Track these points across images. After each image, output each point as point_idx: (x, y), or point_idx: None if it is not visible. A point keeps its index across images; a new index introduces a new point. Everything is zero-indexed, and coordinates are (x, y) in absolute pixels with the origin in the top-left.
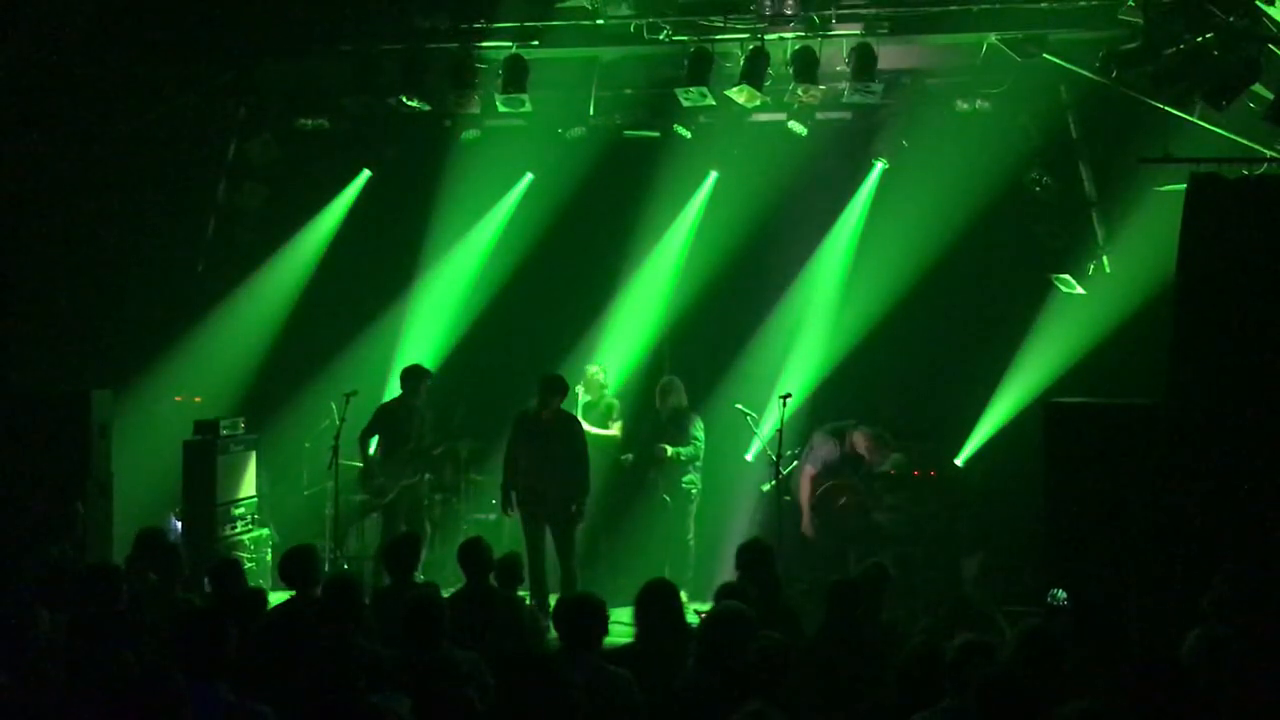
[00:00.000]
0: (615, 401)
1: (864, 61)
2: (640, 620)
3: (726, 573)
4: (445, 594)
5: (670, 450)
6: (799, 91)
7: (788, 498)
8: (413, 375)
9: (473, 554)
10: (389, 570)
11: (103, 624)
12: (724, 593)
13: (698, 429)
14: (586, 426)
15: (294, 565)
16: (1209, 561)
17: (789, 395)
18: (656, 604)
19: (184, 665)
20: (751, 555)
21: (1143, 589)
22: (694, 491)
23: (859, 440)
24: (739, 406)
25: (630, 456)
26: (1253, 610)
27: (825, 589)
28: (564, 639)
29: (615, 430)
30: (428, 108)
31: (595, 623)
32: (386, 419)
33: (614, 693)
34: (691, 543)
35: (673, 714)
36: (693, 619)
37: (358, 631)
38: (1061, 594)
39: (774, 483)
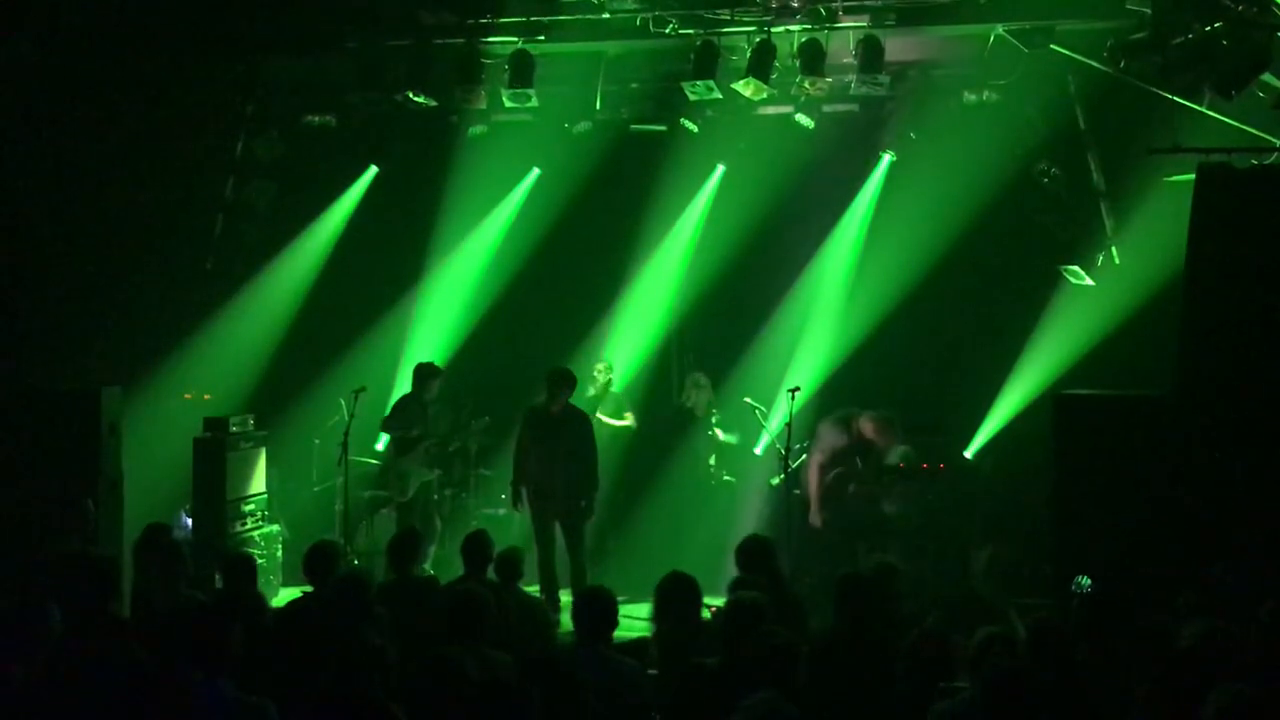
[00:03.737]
0: (620, 394)
1: (871, 53)
2: (660, 612)
3: (734, 567)
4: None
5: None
6: (806, 84)
7: (797, 491)
8: (423, 373)
9: (475, 547)
10: (391, 564)
11: (100, 619)
12: (736, 587)
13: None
14: (602, 417)
15: (317, 560)
16: (1219, 552)
17: (798, 388)
18: (677, 597)
19: (188, 660)
20: (751, 551)
21: (1152, 580)
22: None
23: (866, 426)
24: (747, 400)
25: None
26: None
27: (833, 583)
28: (579, 632)
29: (630, 421)
30: (434, 104)
31: (608, 615)
32: (404, 414)
33: (624, 682)
34: None
35: (692, 703)
36: (705, 613)
37: (367, 627)
38: (1086, 581)
39: (783, 476)
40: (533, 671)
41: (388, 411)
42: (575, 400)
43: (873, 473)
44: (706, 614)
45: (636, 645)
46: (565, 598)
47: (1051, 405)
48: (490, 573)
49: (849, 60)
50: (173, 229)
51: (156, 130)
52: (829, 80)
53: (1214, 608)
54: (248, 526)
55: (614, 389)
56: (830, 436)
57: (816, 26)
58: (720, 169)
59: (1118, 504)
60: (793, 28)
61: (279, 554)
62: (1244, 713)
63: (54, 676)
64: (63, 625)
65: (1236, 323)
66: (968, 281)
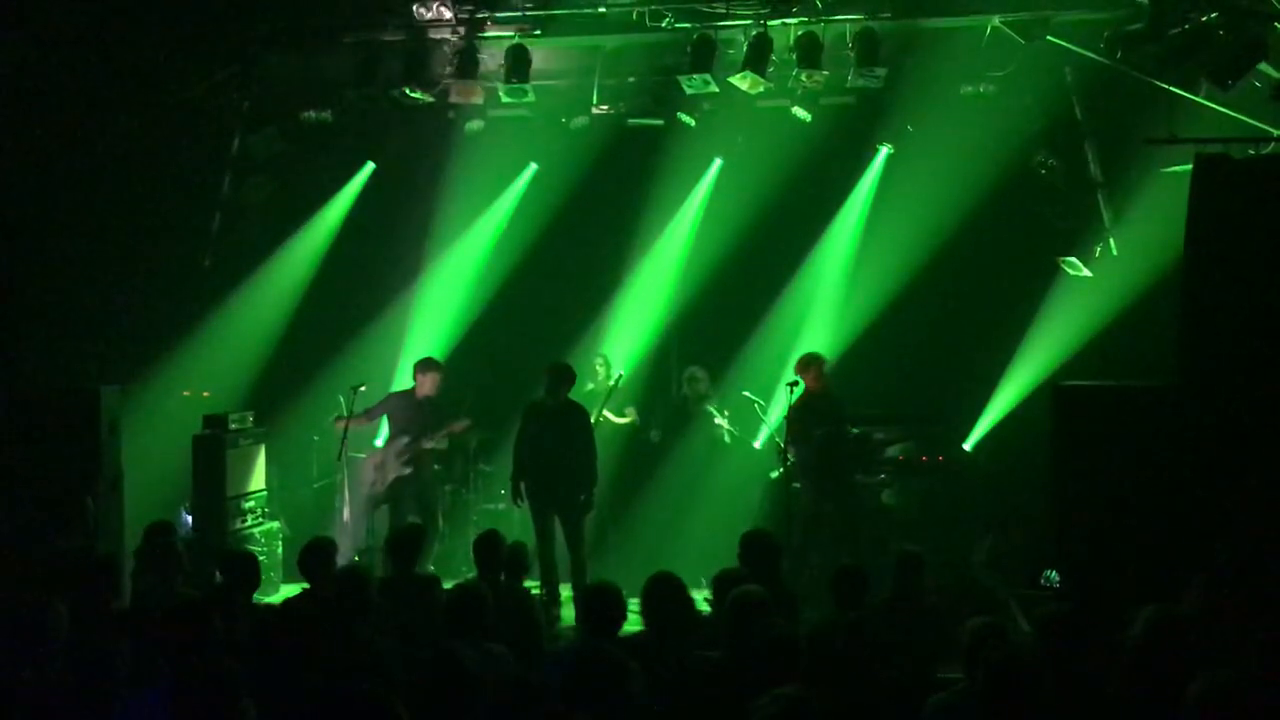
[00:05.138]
0: (622, 390)
1: (867, 46)
2: (647, 611)
3: (732, 560)
4: (448, 585)
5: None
6: (802, 77)
7: (796, 485)
8: (423, 368)
9: (488, 549)
10: (393, 561)
11: (105, 617)
12: (727, 579)
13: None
14: (606, 414)
15: (313, 558)
16: (1218, 543)
17: (797, 382)
18: (663, 595)
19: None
20: (752, 545)
21: (1151, 571)
22: None
23: (808, 380)
24: (746, 394)
25: (658, 433)
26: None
27: (832, 575)
28: (587, 627)
29: (631, 417)
30: (431, 100)
31: (616, 611)
32: (394, 408)
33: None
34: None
35: (695, 696)
36: (703, 606)
37: (366, 624)
38: (1054, 575)
39: (782, 470)
40: (584, 664)
41: (374, 404)
42: (574, 395)
43: (824, 415)
44: (705, 606)
45: (640, 640)
46: (565, 592)
47: (1050, 396)
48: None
49: (846, 53)
50: (171, 226)
51: (153, 128)
52: (826, 73)
53: (1218, 592)
54: (248, 523)
55: (614, 384)
56: (794, 424)
57: (813, 19)
58: (718, 162)
59: (1117, 494)
60: (789, 21)
61: (279, 551)
62: (1227, 698)
63: (63, 673)
64: (69, 623)
65: (1235, 313)
66: (966, 273)
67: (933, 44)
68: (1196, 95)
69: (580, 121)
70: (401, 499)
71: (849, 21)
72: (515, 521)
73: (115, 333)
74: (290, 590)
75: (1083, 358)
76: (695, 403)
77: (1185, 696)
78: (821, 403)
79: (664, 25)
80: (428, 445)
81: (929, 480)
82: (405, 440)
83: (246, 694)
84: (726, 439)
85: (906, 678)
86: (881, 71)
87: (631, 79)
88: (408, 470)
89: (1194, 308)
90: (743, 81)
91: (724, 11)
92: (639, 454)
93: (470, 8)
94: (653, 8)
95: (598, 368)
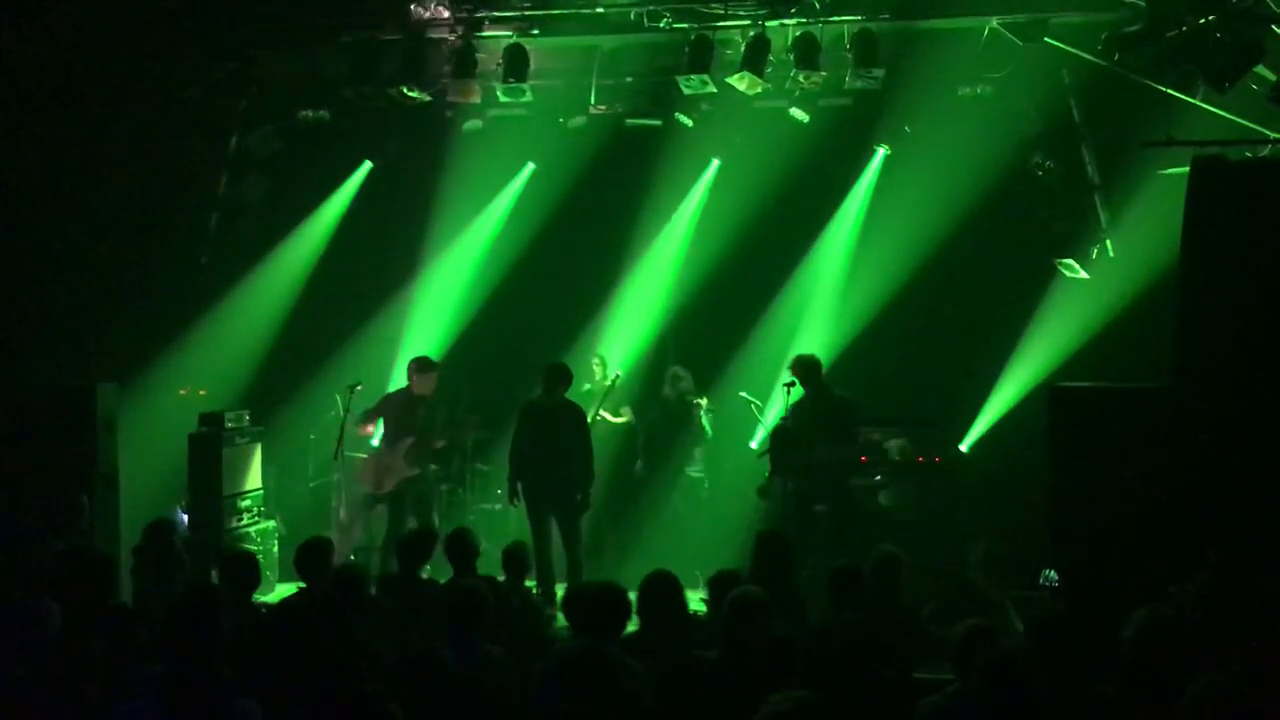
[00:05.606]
0: (619, 390)
1: (865, 47)
2: (644, 611)
3: (731, 560)
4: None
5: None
6: (800, 78)
7: (790, 485)
8: (417, 368)
9: (459, 546)
10: (400, 560)
11: (99, 615)
12: (724, 580)
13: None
14: (603, 413)
15: (309, 557)
16: (1213, 546)
17: (794, 383)
18: (659, 595)
19: (170, 654)
20: (768, 548)
21: (1147, 573)
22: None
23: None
24: (744, 395)
25: (641, 464)
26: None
27: (828, 576)
28: (590, 627)
29: (628, 417)
30: (428, 99)
31: (621, 611)
32: (390, 409)
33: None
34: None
35: (690, 695)
36: (699, 607)
37: (364, 624)
38: (1053, 574)
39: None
40: (584, 664)
41: (373, 405)
42: (571, 394)
43: (819, 416)
44: (702, 607)
45: (636, 639)
46: (561, 592)
47: (1047, 398)
48: (480, 568)
49: (844, 54)
50: (168, 225)
51: (151, 126)
52: (824, 74)
53: (1212, 595)
54: (244, 522)
55: (611, 384)
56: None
57: (811, 20)
58: (715, 163)
59: (1113, 496)
60: (787, 21)
61: (275, 550)
62: (1224, 700)
63: (55, 673)
64: (62, 622)
65: (1231, 315)
66: (963, 275)
67: (930, 45)
68: (1194, 97)
69: (578, 121)
70: (404, 499)
71: (847, 22)
72: (512, 521)
73: (112, 330)
74: (286, 589)
75: (1079, 359)
76: (677, 401)
77: (1183, 699)
78: (811, 404)
79: (662, 25)
80: (440, 445)
81: (925, 481)
82: (410, 440)
83: (246, 694)
84: (706, 426)
85: (898, 678)
86: (879, 73)
87: (629, 79)
88: (416, 470)
89: (1190, 309)
90: (740, 82)
91: (722, 12)
92: (635, 454)
93: (468, 7)
94: (651, 8)
95: (595, 367)
